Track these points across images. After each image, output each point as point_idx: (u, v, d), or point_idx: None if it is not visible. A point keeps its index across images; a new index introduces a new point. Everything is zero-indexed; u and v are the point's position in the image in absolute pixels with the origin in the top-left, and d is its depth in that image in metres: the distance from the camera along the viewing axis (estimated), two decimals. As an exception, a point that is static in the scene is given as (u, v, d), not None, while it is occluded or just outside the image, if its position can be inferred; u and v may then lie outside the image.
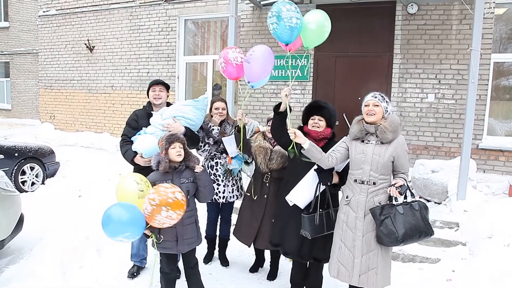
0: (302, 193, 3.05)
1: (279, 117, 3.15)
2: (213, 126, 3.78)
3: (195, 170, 3.02)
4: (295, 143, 2.95)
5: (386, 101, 2.85)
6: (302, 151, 2.90)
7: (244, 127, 3.58)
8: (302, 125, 3.30)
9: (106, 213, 2.68)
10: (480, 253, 4.14)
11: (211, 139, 3.75)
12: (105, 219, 2.66)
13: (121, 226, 2.64)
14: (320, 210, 3.01)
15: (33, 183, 6.59)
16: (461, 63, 6.27)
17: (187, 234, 3.01)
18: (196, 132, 3.57)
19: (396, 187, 2.68)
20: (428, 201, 5.55)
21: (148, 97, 3.74)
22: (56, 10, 10.18)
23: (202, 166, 3.09)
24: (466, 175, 5.04)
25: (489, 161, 6.32)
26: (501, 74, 6.74)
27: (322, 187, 3.02)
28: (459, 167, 5.15)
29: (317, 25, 3.09)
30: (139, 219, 2.70)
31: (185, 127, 3.35)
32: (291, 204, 3.09)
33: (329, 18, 3.13)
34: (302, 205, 3.06)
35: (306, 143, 2.87)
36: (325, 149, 3.07)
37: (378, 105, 2.81)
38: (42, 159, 6.75)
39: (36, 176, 6.65)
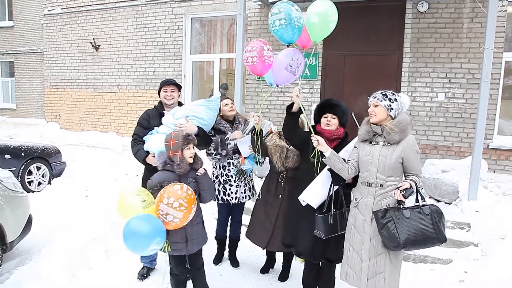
0: (316, 193, 3.01)
1: (291, 117, 3.15)
2: (230, 140, 3.73)
3: (197, 172, 3.00)
4: (317, 150, 2.93)
5: (390, 99, 2.72)
6: (323, 159, 2.87)
7: (261, 130, 3.54)
8: (314, 124, 3.26)
9: (127, 229, 2.64)
10: (493, 254, 4.11)
11: (224, 151, 3.73)
12: (127, 235, 2.64)
13: (147, 239, 2.62)
14: (334, 210, 2.97)
15: (39, 183, 6.57)
16: (472, 62, 6.20)
17: (196, 234, 2.99)
18: (208, 133, 3.53)
19: (400, 190, 2.61)
20: (439, 201, 5.49)
21: (160, 97, 3.70)
22: (62, 8, 10.16)
23: (204, 169, 3.07)
24: (477, 175, 4.98)
25: (499, 161, 6.25)
26: (510, 73, 6.65)
27: (336, 187, 2.99)
28: (470, 167, 5.09)
29: (320, 17, 3.02)
30: (161, 228, 2.70)
31: (197, 127, 3.32)
32: (304, 204, 3.05)
33: (333, 6, 3.03)
34: (315, 205, 3.02)
35: (328, 151, 2.83)
36: (338, 149, 3.06)
37: (378, 105, 2.73)
38: (48, 159, 6.72)
39: (43, 176, 6.63)
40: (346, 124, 3.21)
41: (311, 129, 3.02)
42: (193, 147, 2.94)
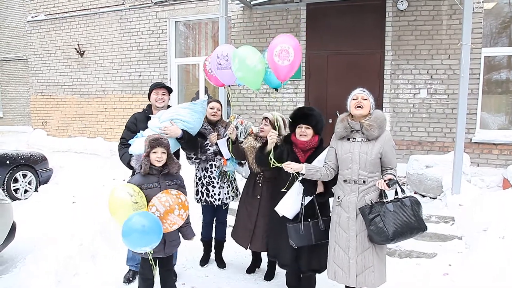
0: (289, 204, 3.06)
1: (261, 153, 3.28)
2: (209, 146, 3.73)
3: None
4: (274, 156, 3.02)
5: (371, 97, 2.87)
6: (301, 176, 2.91)
7: (236, 138, 3.58)
8: (290, 133, 3.28)
9: (130, 225, 2.65)
10: (476, 246, 4.15)
11: (204, 156, 3.76)
12: (128, 231, 2.66)
13: (152, 236, 2.67)
14: (309, 219, 3.00)
15: (26, 191, 6.51)
16: (452, 58, 6.29)
17: (172, 236, 3.01)
18: (194, 136, 3.50)
19: (384, 180, 2.67)
20: (423, 196, 5.56)
21: (150, 100, 3.68)
22: (45, 15, 10.08)
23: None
24: (460, 170, 5.05)
25: (482, 155, 6.34)
26: (493, 68, 6.76)
27: (308, 198, 3.03)
28: (453, 161, 5.16)
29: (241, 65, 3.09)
30: (161, 227, 2.74)
31: (182, 130, 3.30)
32: (280, 215, 3.10)
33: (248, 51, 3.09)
34: (290, 216, 3.08)
35: (303, 169, 2.87)
36: (312, 158, 3.09)
37: (366, 99, 2.79)
38: (34, 166, 6.67)
39: (29, 184, 6.58)
40: (321, 130, 3.17)
41: (275, 161, 3.08)
42: (163, 152, 2.94)
